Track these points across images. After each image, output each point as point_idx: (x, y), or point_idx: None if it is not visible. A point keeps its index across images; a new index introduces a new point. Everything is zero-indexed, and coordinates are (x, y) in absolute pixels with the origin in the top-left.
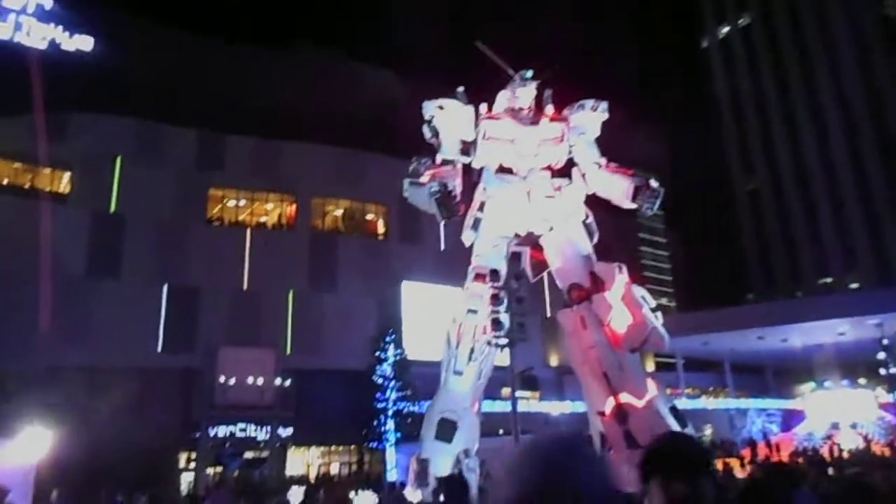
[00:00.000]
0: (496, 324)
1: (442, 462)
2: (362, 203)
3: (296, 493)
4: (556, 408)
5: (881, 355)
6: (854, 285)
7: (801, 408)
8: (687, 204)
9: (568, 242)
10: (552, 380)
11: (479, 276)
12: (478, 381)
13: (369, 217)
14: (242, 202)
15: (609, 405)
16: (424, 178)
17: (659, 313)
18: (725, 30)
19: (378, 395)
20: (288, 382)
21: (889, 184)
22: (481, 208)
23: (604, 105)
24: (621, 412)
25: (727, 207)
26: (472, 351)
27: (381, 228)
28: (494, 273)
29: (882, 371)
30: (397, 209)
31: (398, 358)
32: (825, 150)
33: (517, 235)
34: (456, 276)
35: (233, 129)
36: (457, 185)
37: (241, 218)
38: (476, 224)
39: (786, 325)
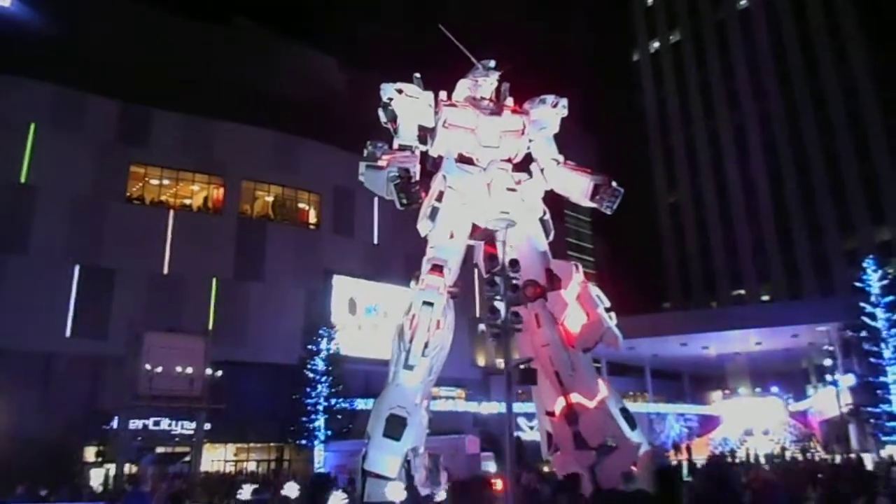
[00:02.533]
0: (491, 310)
1: (389, 460)
2: (295, 190)
3: (291, 488)
4: (484, 408)
5: (827, 361)
6: (765, 298)
7: (717, 413)
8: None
9: (525, 238)
10: (479, 380)
11: (435, 268)
12: (428, 376)
13: (301, 205)
14: (167, 181)
15: (559, 405)
16: (382, 163)
17: (613, 313)
18: (656, 45)
19: (308, 390)
20: (220, 373)
21: (803, 203)
22: (440, 198)
23: (564, 101)
24: (572, 413)
25: (650, 218)
26: (426, 345)
27: (312, 218)
28: (492, 258)
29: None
30: (331, 199)
31: (331, 352)
32: (745, 167)
33: (475, 228)
34: (387, 273)
35: (161, 103)
36: (416, 171)
37: (164, 198)
38: (433, 214)
39: (708, 332)
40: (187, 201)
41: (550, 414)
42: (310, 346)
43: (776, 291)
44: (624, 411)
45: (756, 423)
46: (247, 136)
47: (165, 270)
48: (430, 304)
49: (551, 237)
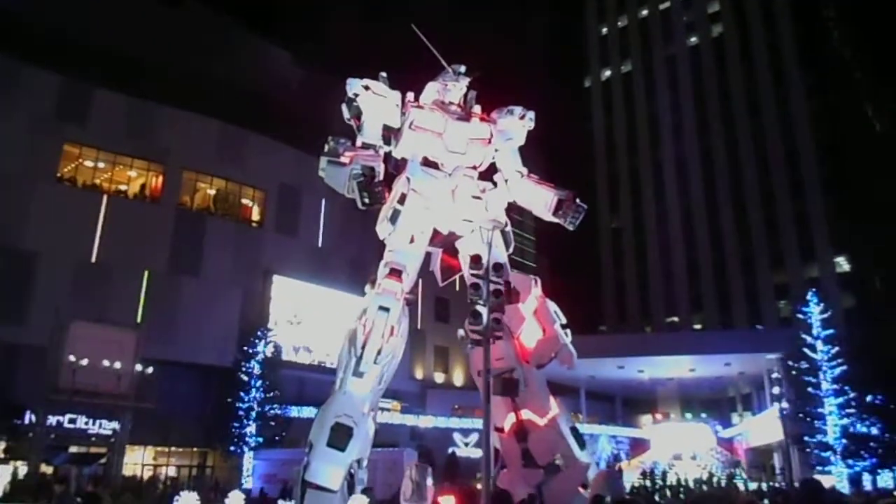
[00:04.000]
0: (474, 315)
1: (332, 471)
2: (239, 185)
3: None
4: (420, 421)
5: (774, 389)
6: (697, 326)
7: (647, 437)
8: (557, 232)
9: (485, 249)
10: (416, 392)
11: (393, 272)
12: (378, 385)
13: (245, 201)
14: (102, 164)
15: (509, 421)
16: (345, 159)
17: (569, 331)
18: (608, 73)
19: (241, 394)
20: (150, 370)
21: (738, 236)
22: (402, 200)
23: (531, 114)
24: (521, 429)
25: (592, 241)
26: (378, 352)
27: (255, 215)
28: (477, 259)
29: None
30: (276, 196)
31: (267, 356)
32: (685, 199)
33: (435, 234)
34: (330, 276)
35: (104, 82)
36: (381, 170)
37: (98, 182)
38: (395, 217)
39: (646, 356)
40: (123, 187)
41: (499, 430)
42: (245, 348)
43: (708, 320)
44: (574, 430)
45: (685, 448)
46: (192, 124)
47: (94, 258)
48: (387, 309)
49: (511, 249)
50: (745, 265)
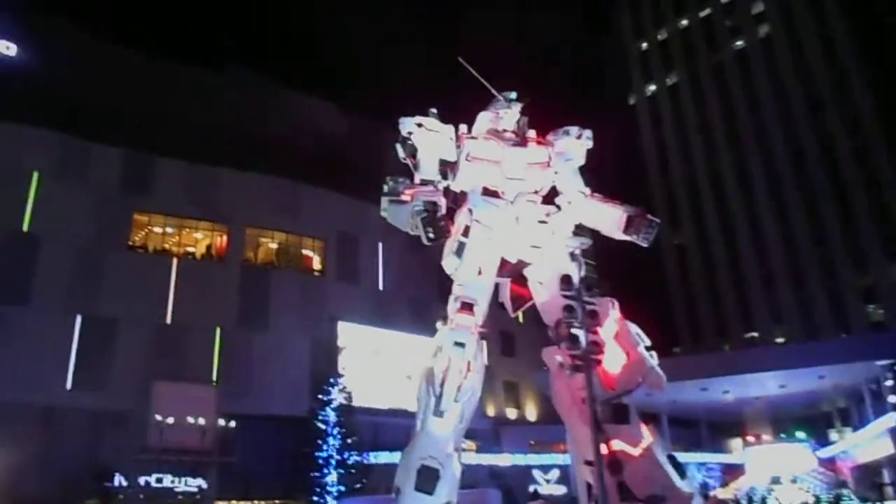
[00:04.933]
0: (572, 339)
1: None
2: (298, 237)
3: None
4: (498, 460)
5: (892, 398)
6: (780, 340)
7: (740, 461)
8: (617, 255)
9: (556, 274)
10: (489, 430)
11: (465, 307)
12: (460, 424)
13: (305, 252)
14: (170, 229)
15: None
16: (406, 197)
17: (654, 353)
18: (652, 88)
19: (318, 442)
20: (232, 424)
21: (813, 239)
22: (466, 233)
23: (588, 133)
24: (615, 461)
25: (655, 261)
26: (458, 389)
27: (317, 264)
28: (567, 280)
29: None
30: (334, 244)
31: (343, 402)
32: (751, 205)
33: (503, 264)
34: (392, 319)
35: (163, 151)
36: (443, 203)
37: (167, 246)
38: (460, 250)
39: (730, 375)
40: (191, 249)
41: (590, 463)
42: (319, 396)
43: (791, 332)
44: (672, 459)
45: (783, 470)
46: (249, 182)
47: (169, 320)
48: (462, 344)
49: (583, 272)
50: (825, 270)
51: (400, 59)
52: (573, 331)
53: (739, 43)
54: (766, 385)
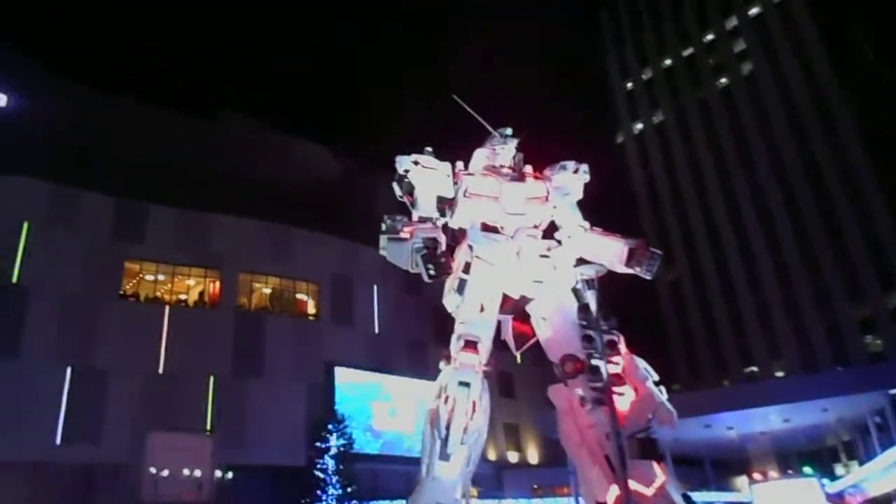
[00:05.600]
0: (592, 370)
1: None
2: (292, 281)
3: None
4: None
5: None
6: (779, 374)
7: (747, 499)
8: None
9: (559, 309)
10: (491, 475)
11: (468, 345)
12: (467, 467)
13: (299, 296)
14: (162, 277)
15: (612, 494)
16: (405, 234)
17: (663, 388)
18: (640, 126)
19: (318, 492)
20: (230, 475)
21: (807, 270)
22: (466, 269)
23: (585, 167)
24: (628, 502)
25: (650, 297)
26: (465, 431)
27: (311, 308)
28: (585, 308)
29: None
30: (328, 288)
31: (342, 450)
32: (743, 239)
33: (504, 300)
34: (389, 363)
35: (155, 197)
36: (443, 240)
37: (159, 294)
38: (461, 287)
39: (732, 411)
40: (183, 296)
41: None
42: (317, 444)
43: (789, 366)
44: (686, 498)
45: None
46: (242, 228)
47: (161, 369)
48: (467, 384)
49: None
50: (821, 302)
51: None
52: (593, 362)
53: (723, 80)
54: (770, 420)
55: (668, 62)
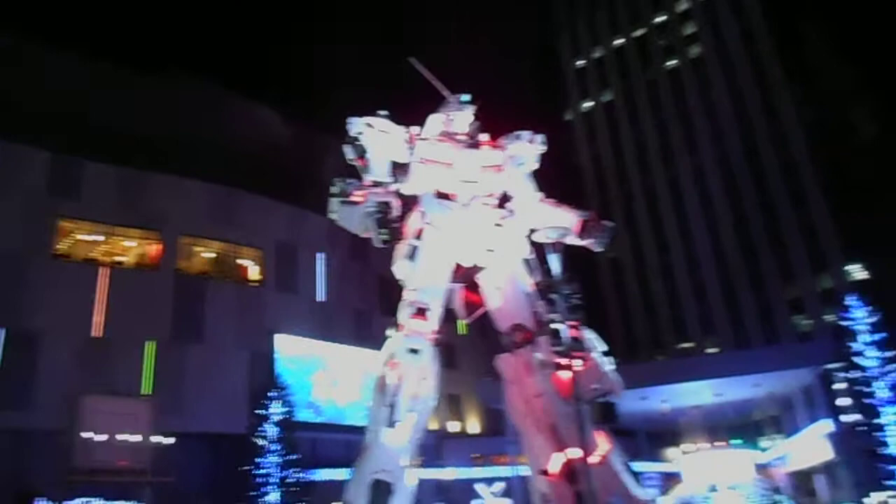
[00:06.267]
0: (554, 335)
1: None
2: (235, 246)
3: None
4: (439, 474)
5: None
6: (712, 350)
7: (678, 470)
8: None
9: (510, 279)
10: (431, 444)
11: (418, 312)
12: (414, 435)
13: (242, 262)
14: (98, 237)
15: (556, 462)
16: (357, 197)
17: (611, 357)
18: (589, 104)
19: (258, 460)
20: (172, 440)
21: (743, 252)
22: (419, 236)
23: (541, 137)
24: (572, 470)
25: (591, 272)
26: (413, 398)
27: (254, 275)
28: (547, 271)
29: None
30: (273, 255)
31: (283, 417)
32: (683, 219)
33: (457, 268)
34: (334, 331)
35: (93, 154)
36: (396, 205)
37: (95, 254)
38: (413, 253)
39: (668, 384)
40: (121, 258)
41: (545, 473)
42: (258, 411)
43: (722, 343)
44: (628, 466)
45: (721, 478)
46: (185, 189)
47: (97, 332)
48: (416, 351)
49: (536, 278)
50: (754, 282)
51: (346, 67)
52: (554, 325)
53: (673, 62)
54: (703, 394)
55: (619, 42)
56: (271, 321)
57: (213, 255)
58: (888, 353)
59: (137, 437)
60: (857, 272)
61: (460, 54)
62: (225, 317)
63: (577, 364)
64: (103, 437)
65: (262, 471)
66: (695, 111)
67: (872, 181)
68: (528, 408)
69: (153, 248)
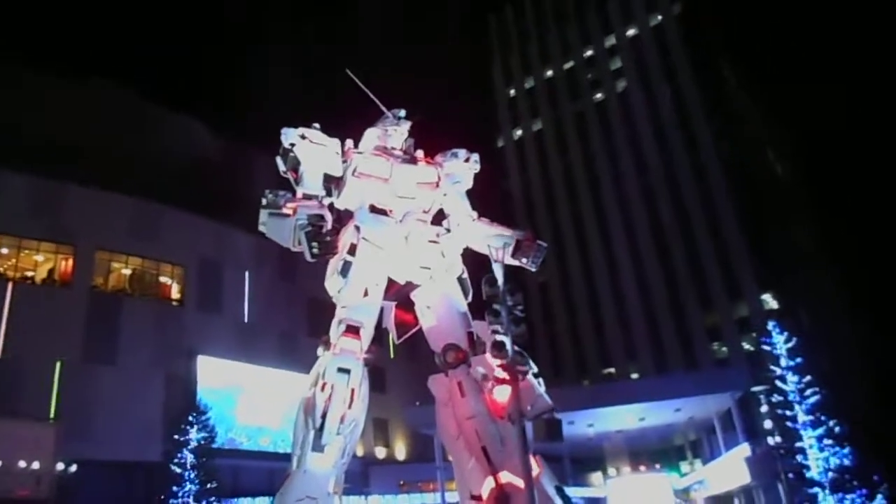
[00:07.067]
0: (497, 347)
1: None
2: (156, 262)
3: None
4: (368, 502)
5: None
6: (634, 376)
7: (603, 495)
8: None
9: (444, 298)
10: (357, 471)
11: (350, 330)
12: (342, 459)
13: (163, 279)
14: (6, 250)
15: (487, 487)
16: (287, 210)
17: (541, 379)
18: (519, 132)
19: (174, 488)
20: (74, 468)
21: (665, 280)
22: (352, 251)
23: (476, 156)
24: (502, 494)
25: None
26: (341, 420)
27: (175, 293)
28: (491, 281)
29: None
30: (196, 272)
31: (202, 443)
32: (608, 248)
33: (390, 285)
34: (258, 354)
35: (6, 163)
36: (329, 219)
37: (1, 269)
38: (345, 269)
39: (594, 408)
40: (30, 273)
41: (477, 498)
42: (176, 437)
43: (644, 369)
44: (559, 490)
45: (643, 502)
46: (102, 201)
47: (0, 352)
48: (347, 371)
49: (470, 297)
50: (675, 310)
51: (279, 83)
52: (498, 337)
53: (599, 95)
54: (627, 419)
55: (549, 73)
56: (192, 342)
57: (132, 270)
58: (807, 378)
59: (38, 464)
60: (770, 300)
61: (396, 75)
62: (142, 337)
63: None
64: (0, 464)
65: (177, 500)
66: (620, 143)
67: (784, 215)
68: (460, 430)
69: (66, 263)
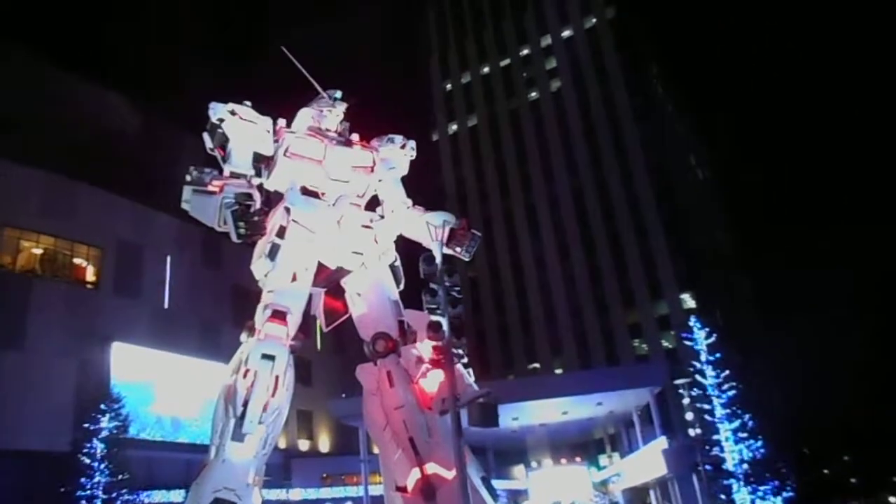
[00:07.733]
0: (434, 328)
1: None
2: (70, 242)
3: None
4: (290, 495)
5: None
6: (558, 371)
7: (525, 487)
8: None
9: (375, 285)
10: (279, 463)
11: (276, 315)
12: (263, 450)
13: (77, 261)
14: None
15: (413, 478)
16: (213, 188)
17: (471, 370)
18: (454, 127)
19: (82, 480)
20: None
21: (590, 278)
22: (281, 234)
23: (412, 143)
24: (428, 486)
25: None
26: (264, 409)
27: (90, 276)
28: (430, 259)
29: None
30: (113, 254)
31: (114, 433)
32: (537, 244)
33: (320, 271)
34: (178, 341)
35: None
36: (257, 198)
37: None
38: (274, 252)
39: (518, 402)
40: None
41: (402, 490)
42: (86, 426)
43: (567, 364)
44: (485, 481)
45: (563, 494)
46: (10, 175)
47: None
48: (271, 357)
49: (402, 286)
50: (599, 307)
51: (209, 61)
52: (434, 318)
53: (534, 94)
54: (550, 412)
55: (486, 70)
56: (107, 328)
57: (43, 250)
58: (725, 373)
59: None
60: (689, 300)
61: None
62: (52, 321)
63: (429, 379)
64: None
65: (85, 492)
66: (552, 142)
67: (704, 218)
68: (388, 420)
69: None
